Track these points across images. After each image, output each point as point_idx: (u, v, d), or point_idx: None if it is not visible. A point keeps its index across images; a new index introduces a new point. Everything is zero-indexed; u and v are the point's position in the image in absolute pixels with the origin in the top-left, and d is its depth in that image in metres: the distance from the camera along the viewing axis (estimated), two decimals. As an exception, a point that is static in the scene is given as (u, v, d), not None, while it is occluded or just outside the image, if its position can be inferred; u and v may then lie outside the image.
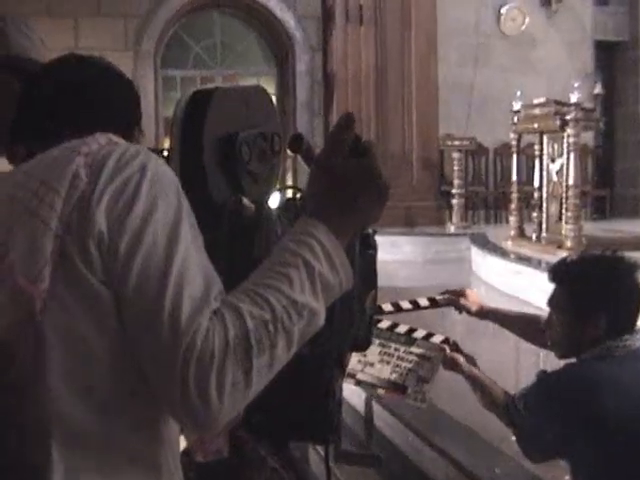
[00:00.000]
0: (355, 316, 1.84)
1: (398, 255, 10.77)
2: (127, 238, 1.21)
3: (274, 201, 1.89)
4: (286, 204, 1.92)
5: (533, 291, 7.93)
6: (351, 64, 12.46)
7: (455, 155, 11.95)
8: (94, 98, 1.53)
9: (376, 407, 4.97)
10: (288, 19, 12.80)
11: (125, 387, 1.25)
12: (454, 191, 11.89)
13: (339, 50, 12.58)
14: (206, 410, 1.17)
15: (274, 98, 13.27)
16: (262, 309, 1.20)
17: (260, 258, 1.33)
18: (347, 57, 12.49)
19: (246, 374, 1.18)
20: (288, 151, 1.40)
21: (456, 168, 11.93)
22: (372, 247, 2.09)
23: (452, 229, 11.85)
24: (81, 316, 1.22)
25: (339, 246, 1.28)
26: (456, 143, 12.06)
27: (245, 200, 1.74)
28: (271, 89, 13.44)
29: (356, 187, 1.30)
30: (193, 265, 1.23)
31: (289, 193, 2.06)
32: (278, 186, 1.92)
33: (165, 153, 1.72)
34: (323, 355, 1.74)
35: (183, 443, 1.73)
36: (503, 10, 13.69)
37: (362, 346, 2.17)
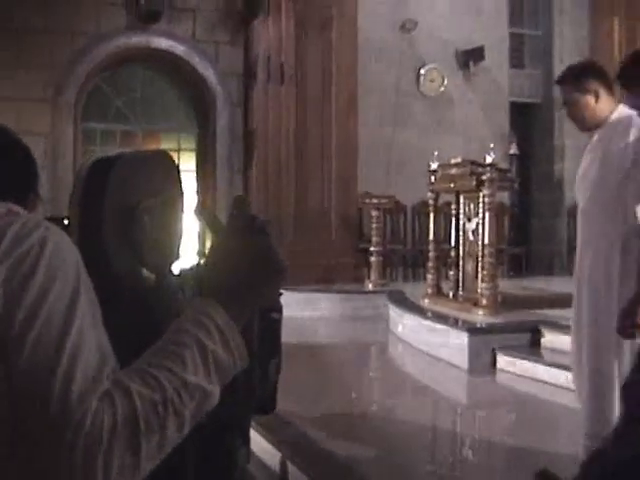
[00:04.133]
0: (256, 386, 1.84)
1: (316, 312, 10.78)
2: (22, 312, 1.19)
3: (176, 269, 1.89)
4: (190, 270, 1.92)
5: (448, 349, 8.00)
6: (272, 121, 12.53)
7: (374, 213, 12.04)
8: None
9: (291, 467, 4.94)
10: (210, 75, 12.85)
11: (11, 468, 1.21)
12: (372, 249, 11.95)
13: (260, 107, 12.65)
14: None
15: (194, 155, 13.30)
16: (152, 390, 1.19)
17: (158, 331, 1.32)
18: (268, 114, 12.55)
19: (134, 456, 1.16)
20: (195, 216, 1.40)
21: (374, 226, 12.01)
22: (277, 310, 2.10)
23: (370, 286, 11.89)
24: None
25: (234, 326, 1.28)
26: (374, 201, 12.14)
27: (145, 271, 1.73)
28: (192, 145, 13.44)
29: (251, 267, 1.31)
30: (88, 342, 1.21)
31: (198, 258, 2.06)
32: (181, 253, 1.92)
33: (66, 222, 1.70)
34: (224, 425, 1.73)
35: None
36: (422, 71, 13.94)
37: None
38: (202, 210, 1.36)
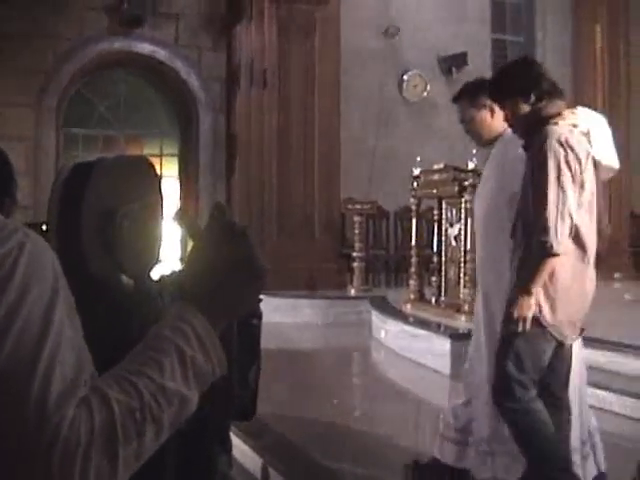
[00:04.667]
0: (235, 392, 1.83)
1: (298, 318, 10.77)
2: None
3: (156, 274, 1.88)
4: (170, 276, 1.91)
5: (431, 354, 8.00)
6: (254, 126, 12.51)
7: (356, 218, 12.04)
8: None
9: (272, 472, 4.94)
10: (192, 80, 12.85)
11: None
12: (355, 254, 11.95)
13: (242, 112, 12.65)
14: None
15: (177, 160, 13.28)
16: (130, 396, 1.18)
17: (136, 337, 1.31)
18: (250, 119, 12.54)
19: (112, 463, 1.15)
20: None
21: (357, 231, 12.01)
22: (256, 316, 2.09)
23: (352, 292, 11.89)
24: None
25: (212, 332, 1.28)
26: (357, 207, 12.15)
27: (124, 277, 1.72)
28: (174, 150, 13.43)
29: (230, 273, 1.30)
30: (65, 349, 1.20)
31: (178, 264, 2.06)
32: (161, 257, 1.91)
33: (44, 227, 1.69)
34: (203, 431, 1.73)
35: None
36: (405, 77, 13.98)
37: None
38: (181, 216, 1.35)
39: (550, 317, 3.94)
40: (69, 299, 1.27)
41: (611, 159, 4.24)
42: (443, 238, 9.40)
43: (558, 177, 3.85)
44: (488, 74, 14.25)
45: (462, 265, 8.81)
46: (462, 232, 8.86)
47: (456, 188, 8.85)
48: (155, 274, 1.91)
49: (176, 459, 1.74)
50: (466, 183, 8.71)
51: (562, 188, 3.84)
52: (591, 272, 4.13)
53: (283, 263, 10.80)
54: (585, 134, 4.06)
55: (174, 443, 1.32)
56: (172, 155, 13.44)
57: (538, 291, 3.90)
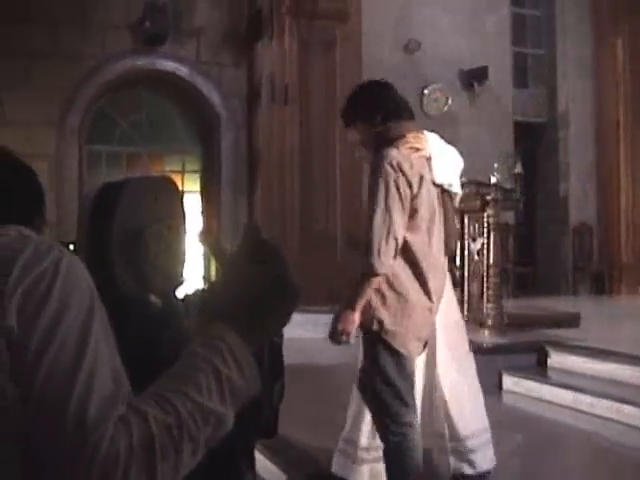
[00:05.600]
0: (261, 408, 1.84)
1: (320, 334, 10.70)
2: (37, 337, 1.18)
3: (180, 294, 1.89)
4: (194, 296, 1.92)
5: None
6: (276, 142, 12.53)
7: (379, 233, 11.99)
8: None
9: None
10: (214, 97, 12.90)
11: None
12: (378, 269, 11.91)
13: (264, 128, 12.67)
14: None
15: (198, 176, 13.32)
16: (168, 414, 1.20)
17: (166, 355, 1.32)
18: (272, 135, 12.56)
19: (149, 479, 1.17)
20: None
21: (380, 246, 11.97)
22: (278, 334, 2.10)
23: (376, 307, 11.84)
24: None
25: (247, 351, 1.29)
26: (380, 221, 12.11)
27: (152, 297, 1.74)
28: (196, 167, 13.47)
29: (265, 292, 1.30)
30: (102, 367, 1.21)
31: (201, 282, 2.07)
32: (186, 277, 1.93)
33: (72, 247, 1.70)
34: (231, 449, 1.73)
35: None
36: (426, 91, 13.97)
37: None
38: (205, 236, 1.36)
39: (391, 332, 4.04)
40: (104, 316, 1.28)
41: (453, 185, 4.29)
42: (466, 252, 9.37)
43: (386, 199, 3.92)
44: (509, 87, 14.35)
45: (485, 279, 8.78)
46: (485, 246, 8.84)
47: (478, 202, 8.82)
48: (180, 293, 1.92)
49: (205, 477, 1.75)
50: (488, 197, 8.70)
51: (389, 210, 3.92)
52: (435, 290, 4.17)
53: (304, 278, 10.76)
54: (427, 159, 4.10)
55: (204, 460, 1.33)
56: (194, 171, 13.48)
57: (378, 307, 4.02)
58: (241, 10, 13.00)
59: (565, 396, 6.78)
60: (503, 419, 7.17)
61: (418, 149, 4.06)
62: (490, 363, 7.73)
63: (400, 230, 3.94)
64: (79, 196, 11.99)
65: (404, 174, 3.93)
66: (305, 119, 12.55)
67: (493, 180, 8.78)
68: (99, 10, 12.20)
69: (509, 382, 7.61)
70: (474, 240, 9.20)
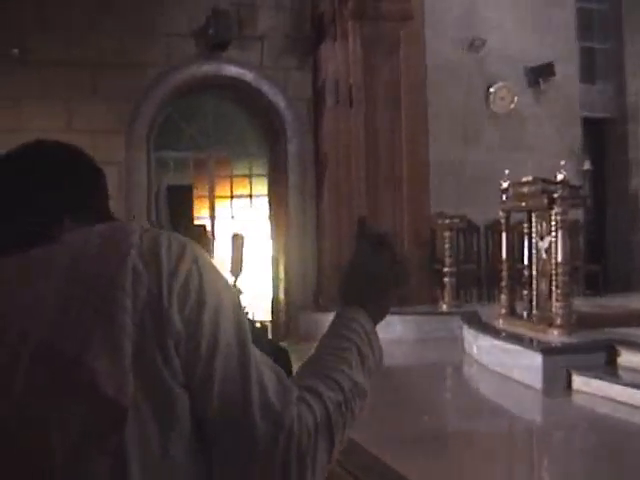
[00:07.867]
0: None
1: (389, 334, 10.72)
2: (206, 338, 1.22)
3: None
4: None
5: (523, 369, 7.92)
6: (342, 145, 12.55)
7: (446, 233, 11.99)
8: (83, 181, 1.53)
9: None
10: (279, 101, 12.96)
11: None
12: (446, 269, 11.90)
13: (330, 131, 12.69)
14: None
15: (266, 180, 13.41)
16: (335, 392, 1.31)
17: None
18: (338, 138, 12.58)
19: (329, 455, 1.29)
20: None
21: (447, 246, 11.96)
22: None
23: (444, 308, 11.84)
24: (158, 424, 1.19)
25: (375, 331, 1.46)
26: (447, 221, 12.09)
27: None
28: (263, 171, 13.54)
29: (384, 278, 1.49)
30: (261, 356, 1.29)
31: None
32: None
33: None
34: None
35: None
36: (492, 89, 13.87)
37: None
38: (366, 228, 1.63)
39: None
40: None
41: None
42: (534, 251, 9.29)
43: None
44: (576, 83, 14.17)
45: (553, 278, 8.69)
46: (553, 245, 8.75)
47: (545, 200, 8.74)
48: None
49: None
50: (555, 195, 8.61)
51: None
52: None
53: (373, 280, 10.76)
54: None
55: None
56: (261, 175, 13.55)
57: None
58: (304, 14, 13.04)
59: (636, 395, 6.69)
60: (573, 420, 7.11)
61: None
62: (559, 363, 7.67)
63: None
64: (147, 202, 12.15)
65: None
66: (370, 120, 12.55)
67: (560, 177, 8.68)
68: (163, 19, 12.34)
69: (578, 382, 7.53)
70: (542, 238, 9.12)
